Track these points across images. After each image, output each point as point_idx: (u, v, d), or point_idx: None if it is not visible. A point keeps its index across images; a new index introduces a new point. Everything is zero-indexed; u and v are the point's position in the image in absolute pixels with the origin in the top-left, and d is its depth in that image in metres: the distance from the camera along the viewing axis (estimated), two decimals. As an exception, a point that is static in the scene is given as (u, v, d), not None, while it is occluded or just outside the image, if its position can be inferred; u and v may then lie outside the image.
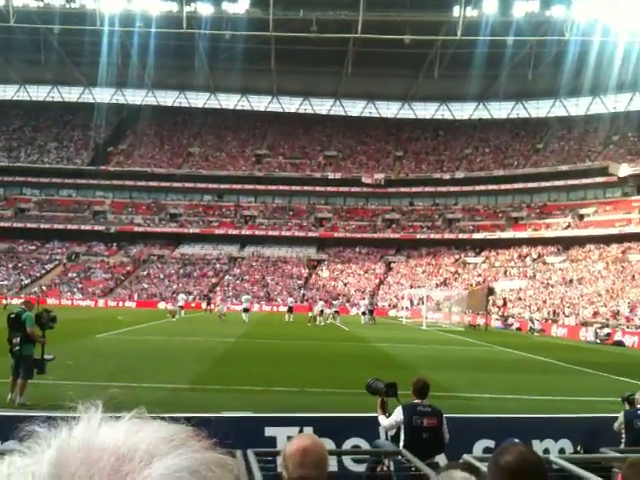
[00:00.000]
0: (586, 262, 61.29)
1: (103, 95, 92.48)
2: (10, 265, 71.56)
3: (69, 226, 76.57)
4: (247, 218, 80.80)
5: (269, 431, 7.95)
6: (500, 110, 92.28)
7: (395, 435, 7.55)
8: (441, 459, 6.91)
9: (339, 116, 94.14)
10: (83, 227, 77.06)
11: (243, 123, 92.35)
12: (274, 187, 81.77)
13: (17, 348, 11.63)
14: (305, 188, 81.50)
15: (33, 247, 76.18)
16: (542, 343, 33.02)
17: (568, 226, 69.07)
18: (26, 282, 67.77)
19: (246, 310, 41.35)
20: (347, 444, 7.94)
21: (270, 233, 77.73)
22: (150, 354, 20.18)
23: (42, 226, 76.36)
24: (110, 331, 28.26)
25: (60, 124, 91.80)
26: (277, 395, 13.21)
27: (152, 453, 0.52)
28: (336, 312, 45.23)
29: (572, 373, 19.67)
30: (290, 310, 43.77)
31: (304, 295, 64.43)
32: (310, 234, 77.99)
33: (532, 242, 69.15)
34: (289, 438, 7.75)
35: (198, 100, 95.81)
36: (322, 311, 42.89)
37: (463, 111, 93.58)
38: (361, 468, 7.79)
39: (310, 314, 42.14)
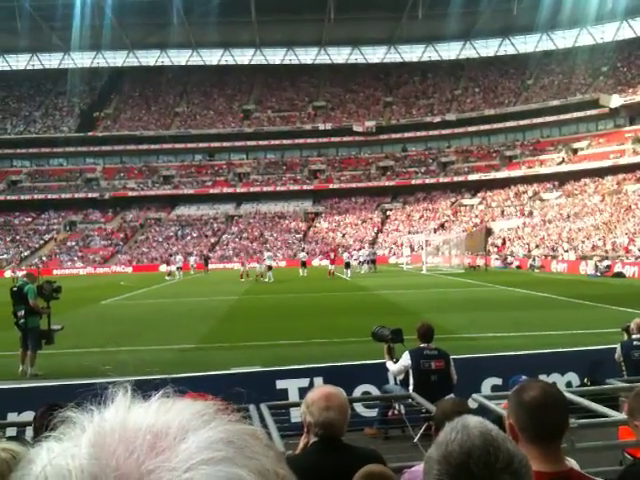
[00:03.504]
0: (582, 196, 61.33)
1: (83, 60, 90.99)
2: (8, 238, 71.46)
3: (63, 195, 76.19)
4: (241, 175, 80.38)
5: (280, 384, 8.08)
6: (487, 48, 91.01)
7: (404, 379, 7.68)
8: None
9: (325, 64, 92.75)
10: (77, 195, 76.68)
11: (228, 78, 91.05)
12: (265, 142, 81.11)
13: (22, 321, 11.71)
14: (296, 141, 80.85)
15: (29, 219, 75.95)
16: (543, 279, 33.29)
17: (562, 161, 68.87)
18: (25, 254, 67.78)
19: (270, 268, 38.34)
20: (357, 391, 8.08)
21: (265, 189, 77.45)
22: (155, 317, 20.33)
23: (36, 197, 75.99)
24: (114, 297, 28.42)
25: (43, 92, 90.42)
26: (283, 348, 13.36)
27: (185, 428, 0.54)
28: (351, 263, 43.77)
29: (574, 307, 19.88)
30: (304, 264, 43.02)
31: (304, 248, 64.63)
32: (305, 187, 77.75)
33: (527, 180, 69.04)
34: (300, 390, 7.96)
35: (180, 58, 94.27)
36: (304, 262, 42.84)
37: (450, 51, 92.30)
38: (372, 413, 7.95)
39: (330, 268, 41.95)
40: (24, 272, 15.56)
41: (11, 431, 6.34)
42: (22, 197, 75.97)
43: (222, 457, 0.52)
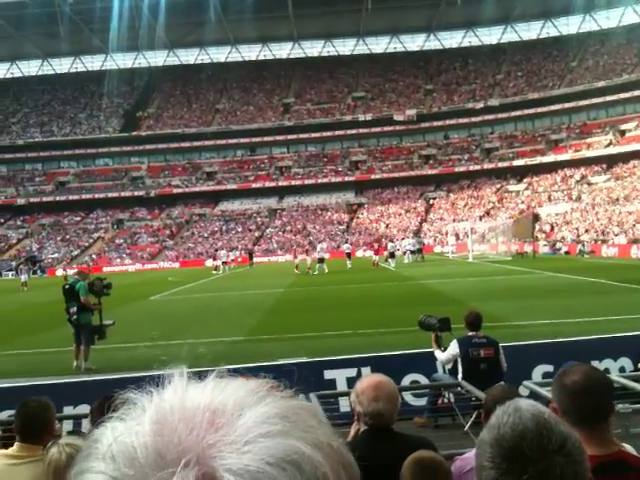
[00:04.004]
0: (631, 178, 59.64)
1: (125, 60, 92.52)
2: (58, 238, 73.39)
3: (109, 194, 77.85)
4: (282, 169, 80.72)
5: (328, 374, 8.11)
6: (529, 31, 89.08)
7: (452, 368, 7.63)
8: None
9: (364, 55, 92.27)
10: (123, 194, 78.23)
11: (267, 73, 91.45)
12: (306, 135, 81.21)
13: (75, 317, 12.03)
14: (337, 133, 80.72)
15: (78, 218, 77.85)
16: (593, 264, 32.53)
17: (610, 143, 67.11)
18: (75, 253, 69.52)
19: (322, 260, 37.68)
20: (405, 380, 8.05)
21: (307, 182, 77.59)
22: (203, 311, 20.63)
23: (84, 197, 77.84)
24: (162, 292, 28.91)
25: (87, 94, 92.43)
26: (330, 339, 13.40)
27: (242, 405, 0.56)
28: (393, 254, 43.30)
29: (626, 292, 19.38)
30: (349, 256, 42.34)
31: (347, 240, 64.60)
32: (347, 179, 77.63)
33: (574, 163, 67.52)
34: (348, 379, 7.98)
35: (219, 55, 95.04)
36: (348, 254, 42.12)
37: (491, 36, 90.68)
38: (421, 402, 7.92)
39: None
40: (75, 270, 15.97)
41: (67, 424, 6.52)
42: (70, 197, 77.88)
43: (279, 431, 0.53)
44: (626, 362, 8.38)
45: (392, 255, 40.60)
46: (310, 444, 0.54)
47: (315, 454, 0.53)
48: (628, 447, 2.44)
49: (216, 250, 51.43)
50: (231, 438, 0.53)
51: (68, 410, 7.32)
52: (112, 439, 0.55)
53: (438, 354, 7.71)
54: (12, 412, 4.78)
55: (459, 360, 7.35)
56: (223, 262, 46.15)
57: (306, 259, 39.70)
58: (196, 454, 0.51)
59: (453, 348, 7.41)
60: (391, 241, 46.50)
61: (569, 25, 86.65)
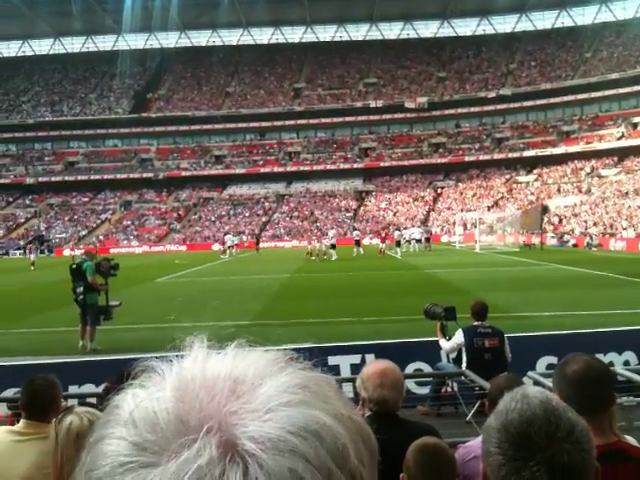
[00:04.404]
0: (642, 172, 59.28)
1: (137, 41, 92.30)
2: (66, 218, 73.67)
3: (118, 176, 77.93)
4: (291, 154, 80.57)
5: (332, 360, 8.13)
6: (544, 21, 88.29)
7: (457, 358, 7.63)
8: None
9: (376, 41, 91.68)
10: (132, 176, 78.30)
11: (279, 57, 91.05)
12: (316, 120, 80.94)
13: (81, 297, 12.06)
14: (347, 119, 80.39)
15: (86, 199, 78.06)
16: (600, 258, 32.42)
17: (622, 136, 66.61)
18: (83, 233, 69.79)
19: (333, 246, 37.79)
20: (409, 369, 8.05)
21: (315, 168, 77.44)
22: (209, 294, 20.65)
23: (92, 177, 78.00)
24: (169, 275, 29.01)
25: (98, 74, 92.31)
26: (335, 326, 13.42)
27: (262, 375, 0.56)
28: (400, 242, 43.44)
29: (633, 285, 19.30)
30: (357, 243, 41.91)
31: (354, 227, 64.56)
32: (356, 165, 77.41)
33: (585, 155, 67.09)
34: (352, 366, 8.00)
35: (231, 37, 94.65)
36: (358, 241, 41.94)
37: (505, 24, 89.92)
38: (424, 390, 7.94)
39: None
40: (82, 250, 16.02)
41: (72, 402, 6.56)
42: (79, 178, 78.07)
43: (300, 400, 0.54)
44: (630, 356, 8.37)
45: (398, 244, 40.55)
46: (331, 415, 0.54)
47: (336, 425, 0.53)
48: (630, 439, 2.45)
49: (225, 234, 51.51)
50: (252, 406, 0.53)
51: (73, 389, 7.37)
52: (134, 405, 0.55)
53: (443, 343, 7.71)
54: (18, 389, 4.82)
55: (463, 349, 7.36)
56: (229, 246, 46.16)
57: (319, 245, 39.34)
58: (218, 421, 0.51)
59: (458, 337, 7.42)
60: (398, 229, 46.40)
61: (584, 15, 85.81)
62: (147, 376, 0.58)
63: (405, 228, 50.79)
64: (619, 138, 66.52)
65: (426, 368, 8.18)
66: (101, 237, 67.99)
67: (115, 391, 0.57)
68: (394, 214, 68.77)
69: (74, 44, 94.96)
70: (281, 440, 0.50)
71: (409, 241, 45.29)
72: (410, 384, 7.69)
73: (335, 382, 0.60)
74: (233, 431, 0.51)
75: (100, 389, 6.92)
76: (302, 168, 77.80)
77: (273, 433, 0.50)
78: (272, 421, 0.51)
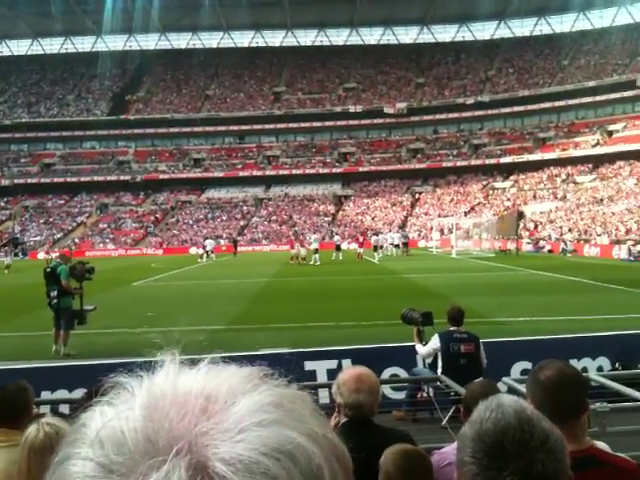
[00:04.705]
0: (617, 179, 60.12)
1: (116, 43, 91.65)
2: (41, 221, 72.73)
3: (95, 178, 77.18)
4: (270, 158, 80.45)
5: (309, 365, 8.11)
6: (522, 28, 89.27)
7: (432, 363, 7.66)
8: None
9: (357, 46, 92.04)
10: (109, 178, 77.59)
11: (259, 61, 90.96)
12: (295, 125, 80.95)
13: (55, 301, 11.90)
14: (327, 123, 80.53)
15: (62, 201, 77.15)
16: (575, 264, 32.80)
17: (597, 143, 67.53)
18: (58, 236, 68.92)
19: (316, 251, 37.64)
20: (385, 374, 8.07)
21: (294, 172, 77.41)
22: (186, 298, 20.54)
23: (69, 180, 77.12)
24: (145, 278, 28.76)
25: (76, 76, 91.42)
26: (312, 331, 13.41)
27: (235, 392, 0.54)
28: (395, 245, 43.92)
29: (606, 291, 19.57)
30: (338, 248, 42.05)
31: (332, 231, 64.61)
32: (335, 170, 77.54)
33: (561, 162, 67.90)
34: (328, 371, 7.98)
35: (212, 40, 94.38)
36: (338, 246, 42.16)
37: (484, 31, 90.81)
38: (400, 396, 7.95)
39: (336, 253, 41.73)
40: (57, 253, 15.83)
41: (45, 409, 6.47)
42: (55, 180, 77.12)
43: (273, 419, 0.52)
44: (604, 362, 8.46)
45: (376, 249, 40.80)
46: (304, 434, 0.52)
47: (310, 445, 0.52)
48: (603, 445, 2.47)
49: (205, 238, 51.18)
50: (224, 426, 0.51)
51: (46, 395, 7.26)
52: (101, 424, 0.52)
53: (419, 348, 7.74)
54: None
55: (439, 354, 7.38)
56: (207, 251, 45.85)
57: (303, 250, 39.21)
58: (188, 441, 0.50)
59: (434, 342, 7.44)
60: (376, 234, 46.60)
61: (562, 23, 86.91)
62: (116, 393, 0.55)
63: (381, 233, 51.00)
64: (594, 145, 67.42)
65: (402, 373, 8.20)
66: (77, 240, 67.20)
67: (83, 408, 0.55)
68: (372, 219, 68.98)
69: (53, 45, 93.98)
70: (253, 462, 0.49)
71: (382, 246, 45.43)
72: (386, 389, 7.70)
73: (310, 399, 0.59)
74: (204, 452, 0.49)
75: (73, 395, 6.83)
76: (281, 172, 77.72)
77: (245, 455, 0.49)
78: (244, 442, 0.50)
